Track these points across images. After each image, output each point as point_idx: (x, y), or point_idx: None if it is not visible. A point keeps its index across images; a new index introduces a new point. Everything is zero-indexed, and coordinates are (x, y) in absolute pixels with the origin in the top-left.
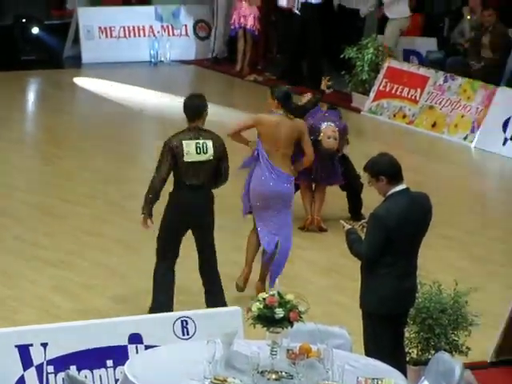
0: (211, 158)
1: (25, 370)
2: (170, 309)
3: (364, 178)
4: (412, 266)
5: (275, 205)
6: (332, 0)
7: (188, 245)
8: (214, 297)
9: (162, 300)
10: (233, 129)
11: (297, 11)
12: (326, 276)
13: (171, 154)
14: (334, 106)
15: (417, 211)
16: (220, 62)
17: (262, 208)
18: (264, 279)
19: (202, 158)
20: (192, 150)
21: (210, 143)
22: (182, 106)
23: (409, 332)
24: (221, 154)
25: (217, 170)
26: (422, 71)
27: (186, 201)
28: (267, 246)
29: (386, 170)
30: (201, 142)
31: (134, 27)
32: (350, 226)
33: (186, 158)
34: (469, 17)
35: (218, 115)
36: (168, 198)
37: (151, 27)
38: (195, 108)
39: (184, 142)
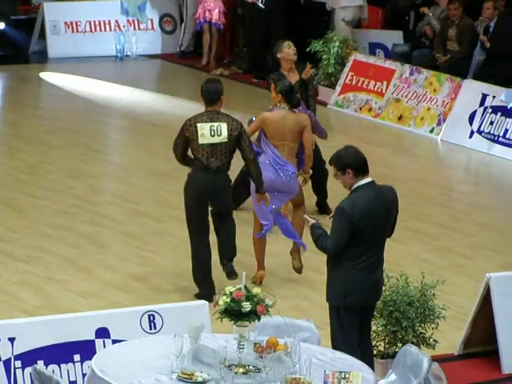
0: (225, 140)
1: None
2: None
3: (330, 170)
4: (378, 259)
5: (279, 195)
6: None
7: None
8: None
9: (201, 276)
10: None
11: (261, 5)
12: (291, 269)
13: (184, 134)
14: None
15: (382, 204)
16: (187, 56)
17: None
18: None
19: (216, 140)
20: (206, 133)
21: (224, 126)
22: (147, 100)
23: (376, 325)
24: (237, 137)
25: (234, 152)
26: (388, 64)
27: (201, 182)
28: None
29: (352, 162)
30: (215, 124)
31: (99, 22)
32: (314, 221)
33: (201, 140)
34: (431, 14)
35: (185, 109)
36: (186, 178)
37: (117, 21)
38: (213, 92)
39: (198, 124)
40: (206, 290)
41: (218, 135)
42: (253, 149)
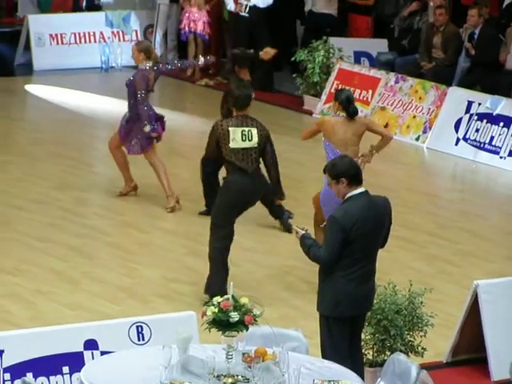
0: (255, 145)
1: None
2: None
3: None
4: (370, 269)
5: None
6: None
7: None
8: None
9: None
10: (304, 136)
11: (245, 14)
12: (279, 279)
13: (215, 137)
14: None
15: (375, 214)
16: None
17: None
18: None
19: (247, 145)
20: (238, 137)
21: (255, 131)
22: None
23: (364, 333)
24: (264, 142)
25: (262, 156)
26: (373, 72)
27: (243, 185)
28: None
29: (347, 171)
30: (246, 129)
31: (84, 33)
32: (303, 232)
33: (232, 145)
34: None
35: (171, 120)
36: (222, 183)
37: (102, 33)
38: (246, 97)
39: (231, 128)
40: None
41: (249, 140)
42: (275, 153)
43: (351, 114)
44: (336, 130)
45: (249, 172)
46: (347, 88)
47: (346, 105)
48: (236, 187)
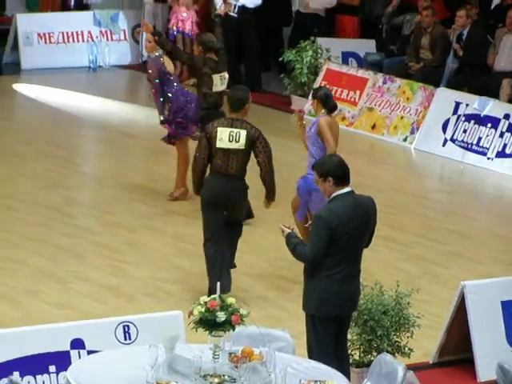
0: (242, 147)
1: None
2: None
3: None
4: (355, 269)
5: None
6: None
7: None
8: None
9: (215, 280)
10: (332, 147)
11: (233, 14)
12: (266, 279)
13: (206, 138)
14: None
15: (360, 214)
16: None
17: None
18: None
19: (233, 146)
20: (225, 138)
21: (243, 133)
22: (120, 111)
23: (351, 334)
24: (253, 146)
25: (256, 158)
26: (361, 73)
27: (215, 187)
28: None
29: (334, 171)
30: (235, 130)
31: (72, 33)
32: (289, 230)
33: (218, 144)
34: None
35: (158, 119)
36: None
37: (90, 32)
38: (236, 100)
39: (219, 128)
40: (212, 282)
41: (236, 141)
42: (268, 155)
43: (331, 109)
44: (335, 128)
45: (225, 174)
46: (327, 87)
47: (326, 101)
48: (209, 186)
